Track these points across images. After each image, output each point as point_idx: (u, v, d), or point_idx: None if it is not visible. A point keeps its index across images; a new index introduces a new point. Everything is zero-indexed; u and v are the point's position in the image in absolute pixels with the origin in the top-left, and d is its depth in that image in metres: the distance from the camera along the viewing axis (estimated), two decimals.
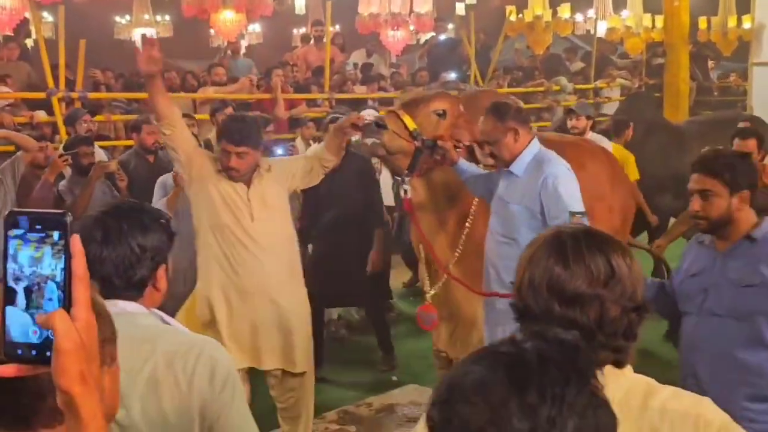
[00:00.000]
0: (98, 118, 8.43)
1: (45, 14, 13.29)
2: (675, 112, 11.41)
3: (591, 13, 14.96)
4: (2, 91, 8.12)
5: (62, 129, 8.18)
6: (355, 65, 12.19)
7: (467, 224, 4.62)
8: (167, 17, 15.22)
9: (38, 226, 1.13)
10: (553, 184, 3.98)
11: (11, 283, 1.13)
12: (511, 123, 4.09)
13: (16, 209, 1.17)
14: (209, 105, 8.41)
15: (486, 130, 4.13)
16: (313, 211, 6.17)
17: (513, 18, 12.54)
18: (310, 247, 6.27)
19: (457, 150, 4.50)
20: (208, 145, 6.42)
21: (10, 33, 8.59)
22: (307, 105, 10.18)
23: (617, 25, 14.73)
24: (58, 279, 1.13)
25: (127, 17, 15.21)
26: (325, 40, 11.14)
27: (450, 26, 16.13)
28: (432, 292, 4.67)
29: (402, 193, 4.62)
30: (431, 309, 4.65)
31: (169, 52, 16.12)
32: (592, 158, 5.22)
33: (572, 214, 3.86)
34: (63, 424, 1.18)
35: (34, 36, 11.16)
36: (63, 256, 1.13)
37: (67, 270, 1.13)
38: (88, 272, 1.14)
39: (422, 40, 14.39)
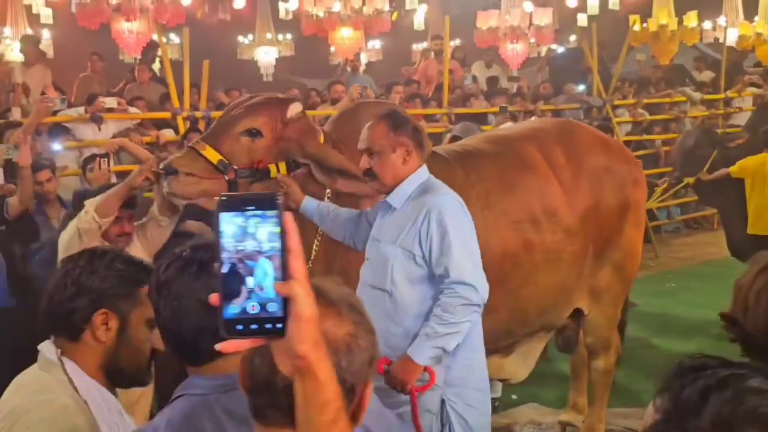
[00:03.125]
0: None
1: (171, 36, 13.72)
2: None
3: (720, 20, 14.41)
4: (131, 112, 8.37)
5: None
6: (474, 78, 12.08)
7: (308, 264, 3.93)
8: (289, 36, 15.43)
9: (251, 207, 1.21)
10: (437, 218, 3.35)
11: (227, 261, 1.20)
12: (405, 139, 3.45)
13: (226, 193, 1.24)
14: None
15: (373, 137, 3.47)
16: None
17: (637, 28, 12.18)
18: None
19: (294, 173, 3.85)
20: None
21: (138, 56, 8.87)
22: (426, 120, 10.14)
23: (748, 33, 14.13)
24: (273, 254, 1.20)
25: (250, 37, 15.52)
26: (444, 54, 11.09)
27: (571, 38, 15.84)
28: None
29: None
30: None
31: (291, 70, 16.49)
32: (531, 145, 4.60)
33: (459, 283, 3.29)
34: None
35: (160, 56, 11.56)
36: (278, 233, 1.20)
37: (283, 246, 1.20)
38: (302, 247, 1.22)
39: (542, 52, 14.18)
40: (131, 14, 7.71)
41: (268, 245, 1.20)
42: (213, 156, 3.75)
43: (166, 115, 8.67)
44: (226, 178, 3.75)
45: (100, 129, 8.05)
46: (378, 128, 3.48)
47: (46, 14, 12.94)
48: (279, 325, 1.20)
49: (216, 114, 9.09)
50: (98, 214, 4.21)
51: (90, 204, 4.26)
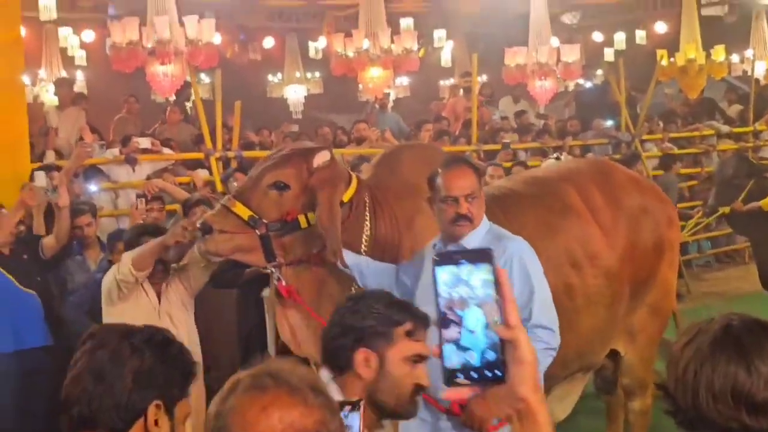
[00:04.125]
0: None
1: (202, 76, 13.92)
2: None
3: (748, 53, 14.39)
4: (165, 152, 8.49)
5: (219, 187, 8.49)
6: (504, 118, 12.12)
7: None
8: (317, 74, 15.62)
9: (465, 261, 1.30)
10: (520, 265, 3.42)
11: (445, 312, 1.29)
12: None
13: (444, 250, 1.32)
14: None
15: (472, 182, 3.48)
16: None
17: (664, 62, 12.20)
18: None
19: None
20: None
21: (171, 97, 9.01)
22: None
23: None
24: (486, 302, 1.29)
25: (279, 75, 15.71)
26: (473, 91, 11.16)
27: (598, 72, 15.89)
28: None
29: (275, 281, 3.92)
30: None
31: (320, 107, 16.65)
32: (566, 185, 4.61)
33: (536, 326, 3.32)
34: None
35: (192, 98, 11.74)
36: (490, 282, 1.29)
37: (498, 294, 1.29)
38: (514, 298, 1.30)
39: (569, 87, 14.22)
40: (166, 57, 7.84)
41: (481, 292, 1.29)
42: (243, 212, 3.80)
43: (200, 155, 8.78)
44: (258, 233, 3.80)
45: (134, 170, 8.18)
46: (472, 173, 3.52)
47: (81, 56, 13.19)
48: (499, 372, 1.27)
49: (248, 154, 9.27)
50: (134, 268, 4.31)
51: (127, 257, 4.39)
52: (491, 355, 1.27)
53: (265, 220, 3.81)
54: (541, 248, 4.24)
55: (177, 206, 7.18)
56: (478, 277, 1.29)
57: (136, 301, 4.61)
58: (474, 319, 1.28)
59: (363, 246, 3.99)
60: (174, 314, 4.64)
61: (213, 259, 4.12)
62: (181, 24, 8.22)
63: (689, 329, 1.68)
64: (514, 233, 4.21)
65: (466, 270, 1.30)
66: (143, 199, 6.62)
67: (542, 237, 4.27)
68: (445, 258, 1.32)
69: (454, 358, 1.29)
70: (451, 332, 1.29)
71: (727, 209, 8.59)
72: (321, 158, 3.95)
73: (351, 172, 4.23)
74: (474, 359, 1.27)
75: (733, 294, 10.88)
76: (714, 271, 12.50)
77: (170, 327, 4.47)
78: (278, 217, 3.84)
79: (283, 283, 3.89)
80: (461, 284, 1.29)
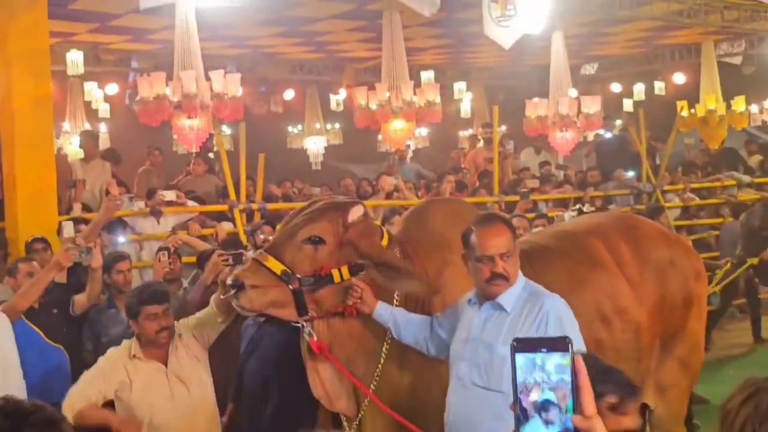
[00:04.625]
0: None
1: (223, 127, 14.07)
2: None
3: (767, 103, 14.43)
4: (189, 205, 8.56)
5: (243, 239, 8.54)
6: (525, 169, 12.17)
7: (378, 367, 3.96)
8: (337, 125, 15.78)
9: (544, 349, 1.39)
10: (556, 321, 3.37)
11: (521, 397, 1.37)
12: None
13: (520, 337, 1.44)
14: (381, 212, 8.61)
15: (507, 240, 3.48)
16: None
17: (684, 113, 12.24)
18: None
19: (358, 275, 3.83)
20: None
21: (197, 151, 9.11)
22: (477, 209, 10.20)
23: None
24: (560, 388, 1.36)
25: (300, 127, 15.87)
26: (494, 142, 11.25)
27: (617, 122, 15.95)
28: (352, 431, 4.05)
29: (306, 336, 3.88)
30: None
31: (338, 158, 16.78)
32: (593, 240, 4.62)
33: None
34: None
35: (215, 149, 11.86)
36: (566, 370, 1.37)
37: (574, 383, 1.36)
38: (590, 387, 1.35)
39: (589, 137, 14.28)
40: (192, 111, 7.93)
41: (555, 378, 1.36)
42: (276, 267, 3.76)
43: (224, 208, 8.85)
44: (291, 287, 3.76)
45: (159, 222, 8.25)
46: (507, 231, 3.52)
47: (104, 109, 13.37)
48: None
49: (272, 206, 9.33)
50: None
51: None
52: None
53: (298, 275, 3.77)
54: (570, 303, 4.23)
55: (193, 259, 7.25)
56: (552, 362, 1.37)
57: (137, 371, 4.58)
58: (548, 403, 1.35)
59: (395, 300, 3.98)
60: (183, 373, 4.57)
61: (245, 314, 4.06)
62: (207, 78, 8.32)
63: (746, 385, 1.67)
64: (544, 286, 4.24)
65: (541, 356, 1.37)
66: (166, 252, 6.66)
67: (571, 292, 4.24)
68: (524, 345, 1.40)
69: None
70: (528, 415, 1.35)
71: (755, 260, 8.56)
72: (356, 213, 3.97)
73: (382, 227, 4.25)
74: None
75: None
76: (738, 321, 12.39)
77: (177, 386, 4.51)
78: (311, 271, 3.81)
79: (315, 338, 3.85)
80: (537, 369, 1.37)
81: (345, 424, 4.06)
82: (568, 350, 1.38)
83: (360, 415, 3.98)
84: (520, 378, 1.38)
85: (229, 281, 3.83)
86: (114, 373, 4.52)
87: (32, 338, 5.40)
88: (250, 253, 4.61)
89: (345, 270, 3.85)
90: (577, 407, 1.36)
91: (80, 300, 5.65)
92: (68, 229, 6.26)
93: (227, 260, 5.37)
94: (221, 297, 4.00)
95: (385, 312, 3.83)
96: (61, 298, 5.73)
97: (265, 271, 3.77)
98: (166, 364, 4.55)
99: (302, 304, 3.79)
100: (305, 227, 3.86)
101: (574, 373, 1.37)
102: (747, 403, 1.61)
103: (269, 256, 3.81)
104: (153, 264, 6.98)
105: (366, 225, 4.01)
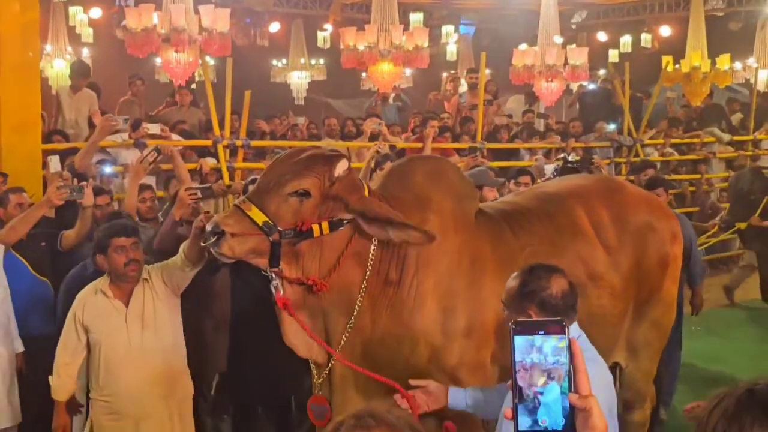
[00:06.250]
0: (260, 165, 8.76)
1: (207, 57, 13.95)
2: None
3: (750, 61, 14.50)
4: (173, 138, 8.54)
5: (226, 175, 8.57)
6: (508, 116, 12.20)
7: (352, 319, 3.94)
8: (321, 61, 15.69)
9: (541, 331, 1.45)
10: None
11: (518, 380, 1.43)
12: None
13: (520, 320, 1.51)
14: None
15: None
16: None
17: (669, 69, 12.30)
18: None
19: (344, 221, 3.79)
20: None
21: (183, 84, 9.06)
22: (459, 155, 10.27)
23: None
24: (557, 369, 1.43)
25: (284, 61, 15.77)
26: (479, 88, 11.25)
27: (601, 72, 15.96)
28: (320, 380, 4.06)
29: (273, 289, 3.81)
30: (323, 401, 4.05)
31: (320, 92, 16.73)
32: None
33: None
34: None
35: (197, 79, 11.78)
36: (562, 348, 1.44)
37: (571, 365, 1.43)
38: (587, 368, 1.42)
39: (574, 88, 14.31)
40: (180, 46, 7.88)
41: (552, 359, 1.42)
42: (258, 217, 3.71)
43: (207, 143, 8.84)
44: (270, 239, 3.72)
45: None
46: None
47: (88, 33, 13.20)
48: None
49: (255, 143, 9.34)
50: None
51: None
52: (562, 421, 1.39)
53: (279, 227, 3.74)
54: None
55: (163, 193, 7.27)
56: (550, 344, 1.42)
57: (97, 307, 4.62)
58: (545, 385, 1.40)
59: (371, 255, 3.97)
60: (146, 316, 4.58)
61: (224, 260, 3.96)
62: (196, 12, 8.25)
63: (716, 395, 1.77)
64: (520, 248, 4.30)
65: (540, 338, 1.43)
66: (155, 153, 6.63)
67: (548, 255, 4.29)
68: (523, 327, 1.46)
69: (526, 422, 1.40)
70: (525, 396, 1.40)
71: (743, 225, 8.68)
72: (342, 167, 3.93)
73: (363, 181, 4.25)
74: (546, 423, 1.39)
75: (725, 300, 11.01)
76: (707, 276, 12.61)
77: (136, 329, 4.54)
78: (293, 224, 3.78)
79: (281, 292, 3.81)
80: (534, 351, 1.42)
81: (314, 372, 4.09)
82: (564, 333, 1.44)
83: (330, 364, 4.00)
84: (518, 358, 1.44)
85: (208, 227, 3.78)
86: (80, 312, 4.58)
87: (19, 270, 5.45)
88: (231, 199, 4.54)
89: (325, 225, 3.82)
90: (573, 387, 1.42)
91: (69, 236, 5.67)
92: (54, 163, 6.24)
93: (195, 194, 5.39)
94: (202, 244, 3.90)
95: (459, 397, 3.67)
96: (49, 231, 5.74)
97: (247, 221, 3.72)
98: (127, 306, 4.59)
99: (277, 256, 3.75)
100: (293, 180, 3.79)
101: (571, 355, 1.44)
102: (716, 409, 1.71)
103: (252, 205, 3.76)
104: (134, 162, 6.81)
105: (351, 179, 3.98)
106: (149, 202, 6.43)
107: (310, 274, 3.86)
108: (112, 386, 4.55)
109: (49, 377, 4.56)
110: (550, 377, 1.41)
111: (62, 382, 4.56)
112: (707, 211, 11.85)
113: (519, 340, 1.44)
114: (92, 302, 4.58)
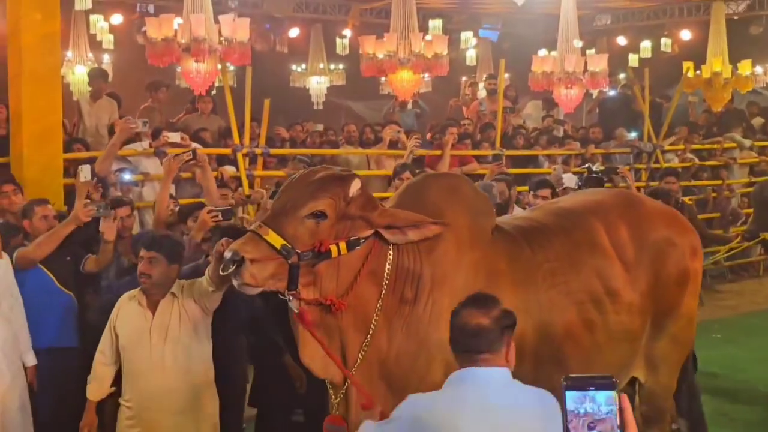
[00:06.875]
0: (280, 173, 8.80)
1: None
2: None
3: None
4: (194, 146, 8.56)
5: (245, 184, 8.61)
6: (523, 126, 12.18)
7: (367, 338, 3.93)
8: (341, 66, 15.74)
9: (592, 387, 1.54)
10: None
11: (571, 427, 1.53)
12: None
13: (571, 375, 1.59)
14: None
15: None
16: None
17: (690, 74, 12.23)
18: None
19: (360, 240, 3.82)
20: None
21: (203, 94, 9.12)
22: (479, 161, 10.26)
23: None
24: (608, 420, 1.52)
25: (303, 66, 15.83)
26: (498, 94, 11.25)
27: (620, 76, 15.90)
28: (337, 400, 4.01)
29: (292, 307, 3.79)
30: (340, 420, 4.00)
31: (338, 94, 16.76)
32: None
33: None
34: None
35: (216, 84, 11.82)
36: (614, 402, 1.54)
37: (621, 420, 1.53)
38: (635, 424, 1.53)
39: (594, 94, 14.25)
40: (200, 55, 7.93)
41: (605, 409, 1.51)
42: (276, 241, 3.68)
43: (227, 151, 8.89)
44: (289, 262, 3.70)
45: (162, 163, 8.25)
46: None
47: (109, 40, 13.30)
48: None
49: (275, 151, 9.37)
50: None
51: None
52: None
53: (297, 250, 3.72)
54: (564, 283, 4.32)
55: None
56: (601, 397, 1.52)
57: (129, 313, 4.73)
58: None
59: (386, 274, 3.98)
60: (171, 330, 4.63)
61: (247, 292, 3.84)
62: (216, 22, 8.30)
63: None
64: (538, 265, 4.30)
65: (591, 393, 1.53)
66: (191, 154, 6.78)
67: (566, 272, 4.33)
68: (574, 382, 1.54)
69: None
70: None
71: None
72: (355, 186, 3.94)
73: (376, 199, 4.25)
74: None
75: (745, 310, 10.96)
76: (728, 282, 12.57)
77: (160, 344, 4.60)
78: (310, 246, 3.77)
79: (296, 312, 3.80)
80: (588, 401, 1.51)
81: (331, 392, 4.07)
82: (614, 388, 1.53)
83: (346, 383, 3.98)
84: (570, 407, 1.52)
85: (227, 255, 3.74)
86: (115, 316, 4.74)
87: (45, 284, 5.57)
88: (251, 225, 4.49)
89: (343, 246, 3.83)
90: None
91: (91, 261, 5.76)
92: (85, 172, 6.21)
93: (217, 216, 5.44)
94: (221, 273, 3.84)
95: None
96: (74, 247, 5.82)
97: (265, 245, 3.69)
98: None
99: (295, 278, 3.73)
100: (309, 202, 3.80)
101: (620, 409, 1.51)
102: None
103: (269, 229, 3.73)
104: (169, 159, 6.87)
105: (366, 197, 4.00)
106: (126, 221, 6.22)
107: (328, 294, 3.87)
108: (132, 392, 4.66)
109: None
110: (600, 426, 1.50)
111: (96, 383, 4.73)
112: (728, 217, 11.81)
113: (571, 394, 1.54)
114: (126, 308, 4.73)
